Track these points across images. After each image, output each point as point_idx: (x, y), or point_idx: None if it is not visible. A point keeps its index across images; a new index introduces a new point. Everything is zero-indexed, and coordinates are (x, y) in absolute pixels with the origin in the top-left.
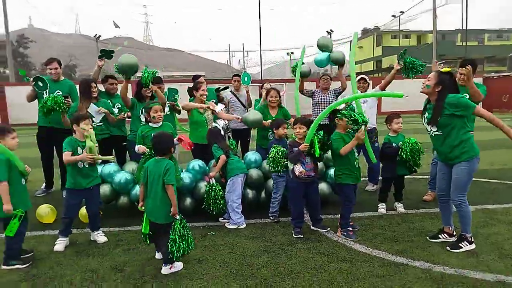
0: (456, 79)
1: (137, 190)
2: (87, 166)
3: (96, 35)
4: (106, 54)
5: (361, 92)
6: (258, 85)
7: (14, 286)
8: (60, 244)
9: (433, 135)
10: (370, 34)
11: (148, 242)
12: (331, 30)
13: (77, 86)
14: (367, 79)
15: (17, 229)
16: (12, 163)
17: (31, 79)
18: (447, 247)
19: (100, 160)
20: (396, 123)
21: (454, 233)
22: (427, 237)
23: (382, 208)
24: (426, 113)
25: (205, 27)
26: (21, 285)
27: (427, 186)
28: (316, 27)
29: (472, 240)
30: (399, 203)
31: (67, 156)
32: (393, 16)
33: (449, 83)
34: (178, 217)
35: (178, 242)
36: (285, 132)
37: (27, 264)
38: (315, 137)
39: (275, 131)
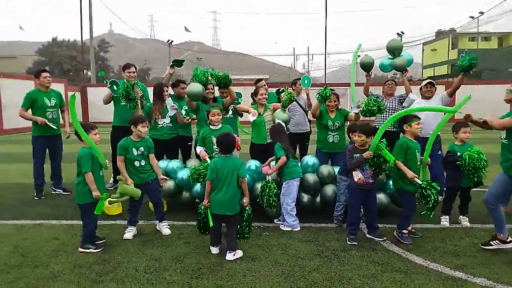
0: None
1: (197, 187)
2: (143, 164)
3: (168, 40)
4: (178, 63)
5: (428, 96)
6: (319, 89)
7: (88, 267)
8: (129, 233)
9: (502, 142)
10: (445, 36)
11: (205, 233)
12: (402, 32)
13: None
14: (434, 84)
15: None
16: (95, 156)
17: (108, 82)
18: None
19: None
20: (464, 132)
21: (509, 239)
22: (480, 244)
23: (445, 220)
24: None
25: (271, 31)
26: (94, 267)
27: None
28: (386, 29)
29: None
30: (464, 217)
31: (119, 160)
32: (471, 17)
33: None
34: (248, 207)
35: (247, 227)
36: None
37: (100, 249)
38: (381, 144)
39: (351, 136)
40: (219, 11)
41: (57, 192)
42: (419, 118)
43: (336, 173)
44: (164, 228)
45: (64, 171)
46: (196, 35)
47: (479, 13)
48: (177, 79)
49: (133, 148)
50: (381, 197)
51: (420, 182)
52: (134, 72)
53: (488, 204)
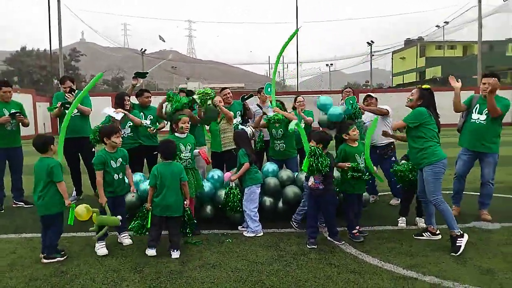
0: (480, 90)
1: (145, 187)
2: (121, 177)
3: (142, 49)
4: (140, 75)
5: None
6: (294, 97)
7: (45, 280)
8: (102, 248)
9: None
10: (413, 44)
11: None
12: (371, 41)
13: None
14: (372, 95)
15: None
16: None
17: (59, 105)
18: (451, 253)
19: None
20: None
21: (438, 232)
22: (413, 235)
23: (402, 222)
24: None
25: (246, 40)
26: (51, 280)
27: (450, 200)
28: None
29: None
30: (421, 218)
31: (99, 177)
32: (437, 26)
33: (427, 98)
34: (187, 208)
35: (188, 225)
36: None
37: (64, 257)
38: (315, 149)
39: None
40: (194, 20)
41: (18, 205)
42: (354, 124)
43: (294, 177)
44: (125, 239)
45: (25, 183)
46: (171, 43)
47: (444, 22)
48: (141, 89)
49: (111, 161)
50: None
51: (351, 165)
52: (70, 86)
53: (420, 198)
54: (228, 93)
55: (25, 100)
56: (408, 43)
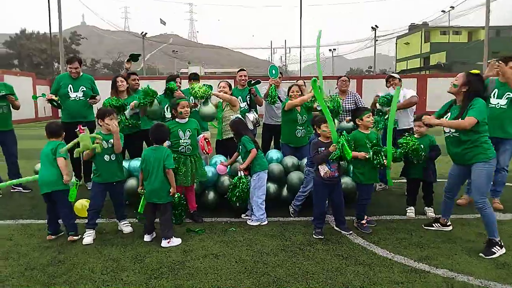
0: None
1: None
2: (113, 158)
3: (142, 32)
4: (133, 58)
5: (343, 90)
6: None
7: (41, 269)
8: (88, 237)
9: (450, 135)
10: (418, 30)
11: (141, 220)
12: (376, 25)
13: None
14: (395, 76)
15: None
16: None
17: (46, 100)
18: (480, 254)
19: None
20: (418, 125)
21: (448, 223)
22: (422, 225)
23: (410, 212)
24: (450, 113)
25: (248, 24)
26: (47, 269)
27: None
28: (361, 23)
29: (502, 244)
30: (429, 208)
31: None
32: (443, 11)
33: (475, 85)
34: (176, 195)
35: (177, 213)
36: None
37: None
38: (342, 138)
39: (317, 130)
40: (196, 3)
41: (16, 190)
42: (370, 111)
43: (299, 163)
44: (125, 226)
45: (23, 169)
46: (172, 27)
47: (450, 7)
48: (129, 72)
49: (104, 141)
50: (346, 181)
51: (370, 155)
52: (77, 68)
53: (447, 193)
54: (244, 75)
55: (25, 83)
56: (413, 28)
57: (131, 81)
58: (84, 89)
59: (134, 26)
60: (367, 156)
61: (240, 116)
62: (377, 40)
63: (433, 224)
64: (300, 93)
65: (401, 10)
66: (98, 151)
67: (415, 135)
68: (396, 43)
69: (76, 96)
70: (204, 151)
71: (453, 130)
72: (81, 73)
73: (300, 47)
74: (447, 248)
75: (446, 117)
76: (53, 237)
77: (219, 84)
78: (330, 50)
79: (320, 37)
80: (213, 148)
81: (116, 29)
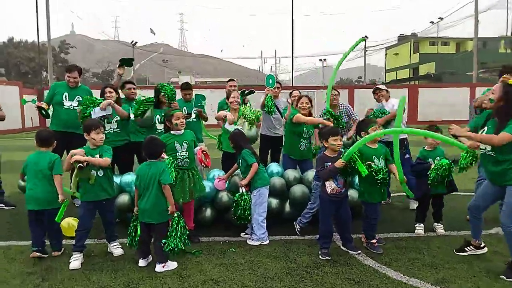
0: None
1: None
2: (100, 174)
3: (132, 41)
4: (126, 62)
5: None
6: (288, 92)
7: None
8: (76, 261)
9: (486, 153)
10: (407, 40)
11: (136, 248)
12: (366, 36)
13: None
14: (381, 88)
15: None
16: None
17: (36, 107)
18: (501, 276)
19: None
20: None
21: (482, 245)
22: (454, 250)
23: (419, 228)
24: (486, 127)
25: (238, 34)
26: None
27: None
28: (351, 33)
29: None
30: (439, 224)
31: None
32: (432, 22)
33: None
34: (175, 215)
35: (175, 238)
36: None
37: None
38: (355, 155)
39: (324, 143)
40: (186, 13)
41: None
42: (375, 123)
43: (301, 177)
44: (115, 248)
45: (6, 182)
46: (162, 37)
47: (439, 18)
48: (125, 80)
49: (89, 156)
50: (351, 193)
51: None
52: (75, 78)
53: (473, 212)
54: (234, 85)
55: (11, 92)
56: (402, 39)
57: (127, 90)
58: (80, 99)
59: (124, 35)
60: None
61: (239, 128)
62: (366, 50)
63: (466, 249)
64: (309, 105)
65: (391, 21)
66: (91, 182)
67: (426, 147)
68: (385, 54)
69: (71, 105)
70: (203, 164)
71: (489, 148)
72: (79, 84)
73: (292, 57)
74: (464, 269)
75: (483, 131)
76: (37, 254)
77: (230, 93)
78: (320, 60)
79: (359, 43)
80: (213, 160)
81: (106, 38)
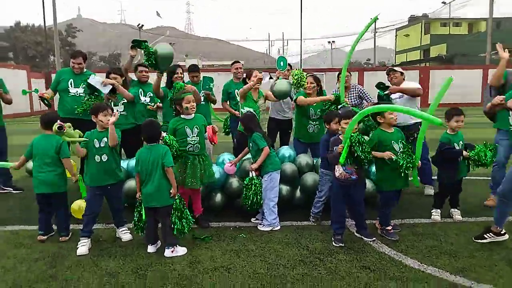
0: None
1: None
2: (104, 160)
3: (139, 24)
4: (139, 44)
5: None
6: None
7: (29, 287)
8: (83, 247)
9: None
10: (417, 21)
11: (141, 233)
12: (376, 17)
13: None
14: (396, 69)
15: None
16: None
17: (38, 97)
18: None
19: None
20: (456, 121)
21: (503, 232)
22: (473, 238)
23: (436, 214)
24: None
25: (245, 17)
26: (36, 287)
27: (488, 189)
28: (361, 14)
29: None
30: (456, 210)
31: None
32: (443, 3)
33: None
34: (177, 197)
35: (178, 222)
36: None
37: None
38: (354, 137)
39: (326, 126)
40: None
41: (6, 191)
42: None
43: (314, 163)
44: (123, 233)
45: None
46: (169, 20)
47: None
48: (137, 63)
49: (95, 139)
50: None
51: (396, 157)
52: (80, 64)
53: (503, 197)
54: (240, 68)
55: (19, 76)
56: (412, 20)
57: (139, 73)
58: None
59: (131, 18)
60: (393, 157)
61: (252, 110)
62: (376, 32)
63: (485, 235)
64: (314, 85)
65: (401, 2)
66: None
67: (448, 131)
68: (396, 35)
69: (77, 92)
70: (212, 142)
71: None
72: (85, 69)
73: (301, 38)
74: (483, 257)
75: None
76: (44, 237)
77: (251, 73)
78: (329, 42)
79: (373, 23)
80: (221, 143)
81: (112, 21)
